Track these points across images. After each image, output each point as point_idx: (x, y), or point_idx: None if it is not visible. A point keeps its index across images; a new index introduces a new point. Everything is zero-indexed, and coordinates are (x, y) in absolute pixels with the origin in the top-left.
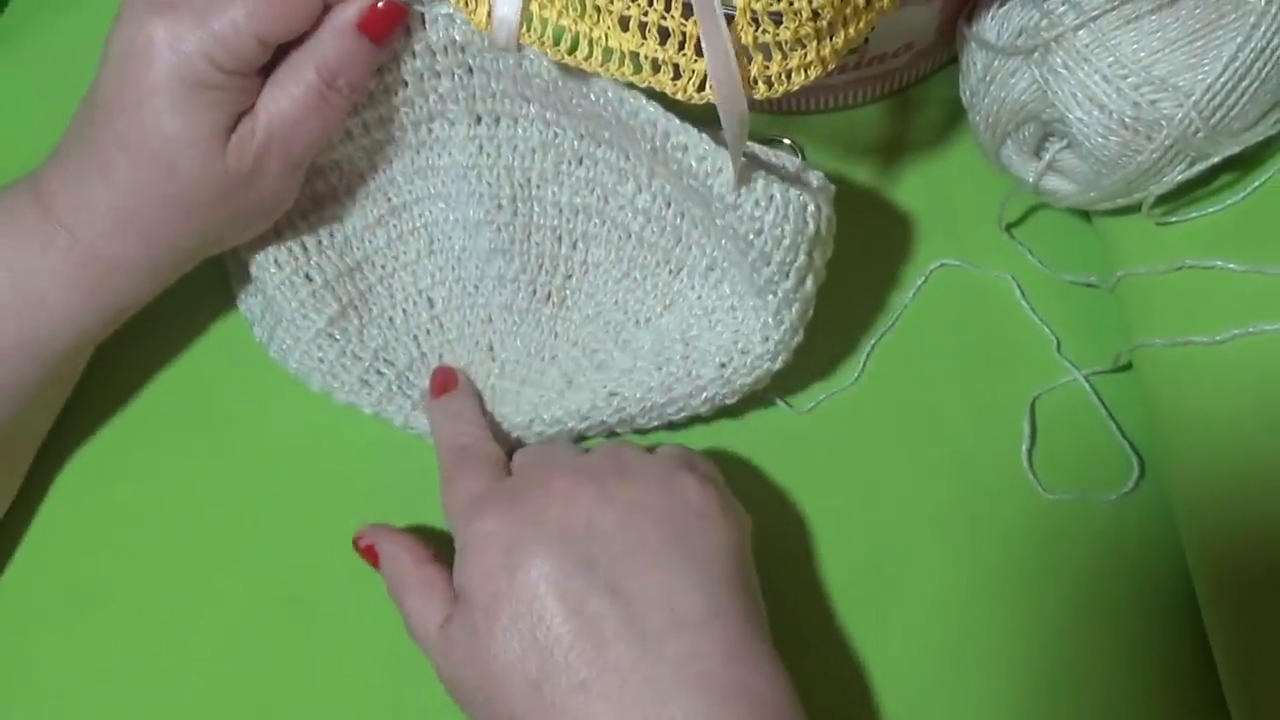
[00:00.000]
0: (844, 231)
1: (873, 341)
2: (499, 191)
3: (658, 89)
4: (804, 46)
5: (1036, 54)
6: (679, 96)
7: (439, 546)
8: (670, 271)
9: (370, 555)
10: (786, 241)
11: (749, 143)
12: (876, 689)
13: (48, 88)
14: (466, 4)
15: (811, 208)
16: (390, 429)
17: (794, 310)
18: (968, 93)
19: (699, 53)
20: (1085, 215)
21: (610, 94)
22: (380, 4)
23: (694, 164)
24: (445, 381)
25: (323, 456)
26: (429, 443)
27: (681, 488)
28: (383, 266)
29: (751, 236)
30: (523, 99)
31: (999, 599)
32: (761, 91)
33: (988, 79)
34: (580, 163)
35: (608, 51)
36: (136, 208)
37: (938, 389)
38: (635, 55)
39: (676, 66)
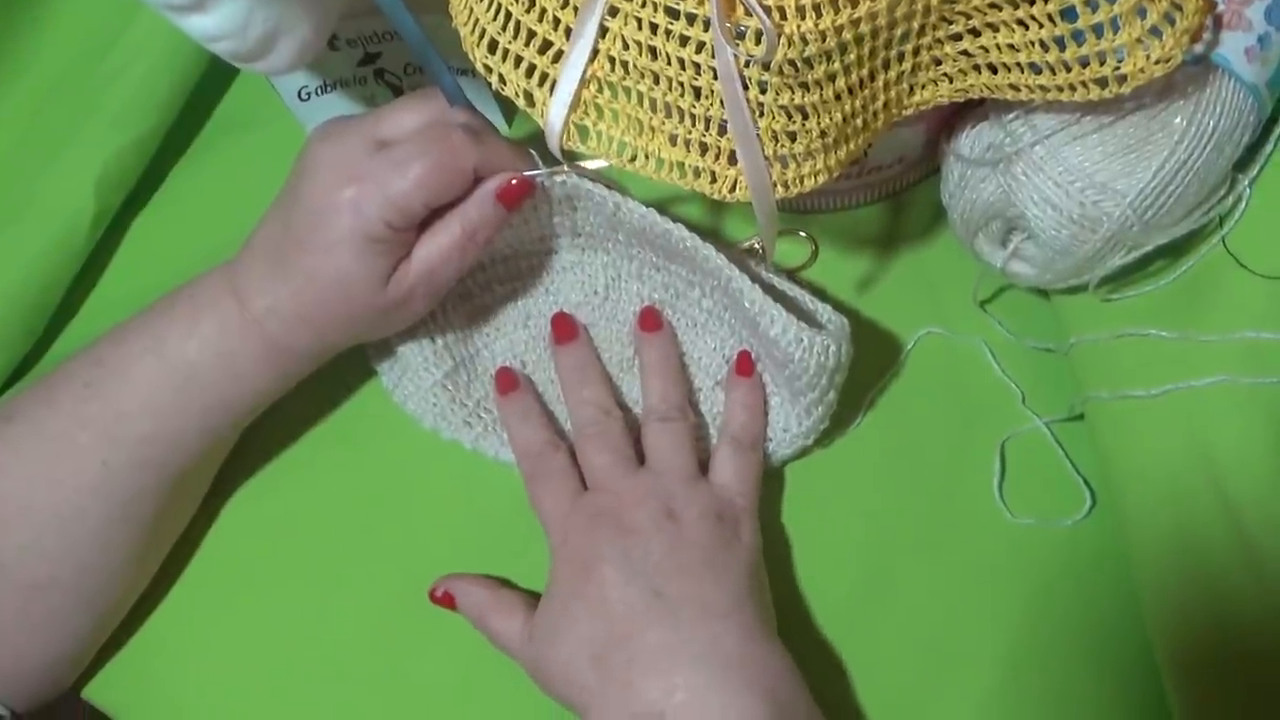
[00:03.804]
0: (849, 305)
1: (871, 393)
2: (596, 280)
3: (698, 190)
4: (814, 158)
5: (1001, 165)
6: (715, 197)
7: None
8: (724, 359)
9: (448, 600)
10: (811, 371)
11: (794, 288)
12: (867, 683)
13: (236, 187)
14: (529, 102)
15: (833, 348)
16: (484, 459)
17: (820, 409)
18: (947, 195)
19: (731, 163)
20: (1044, 293)
21: (689, 243)
22: (514, 181)
23: (747, 305)
24: (507, 382)
25: (432, 479)
26: (512, 470)
27: (716, 524)
28: (488, 334)
29: (788, 364)
30: (613, 232)
31: (974, 606)
32: (780, 193)
33: (963, 185)
34: (659, 270)
35: (660, 161)
36: (314, 316)
37: (924, 433)
38: (681, 164)
39: (713, 173)
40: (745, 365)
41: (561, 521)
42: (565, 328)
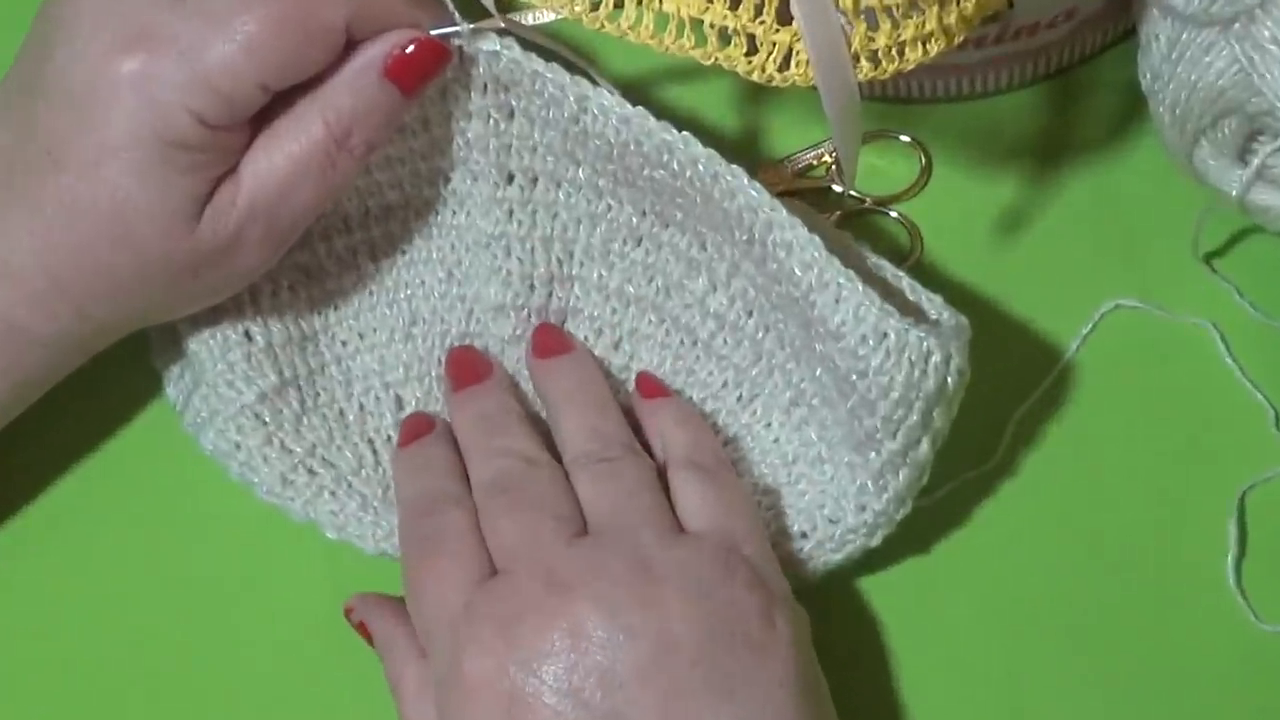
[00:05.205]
0: (984, 261)
1: (1020, 409)
2: (532, 271)
3: (727, 67)
4: (922, 12)
5: (1238, 25)
6: (755, 77)
7: None
8: (740, 399)
9: (364, 631)
10: (896, 394)
11: (868, 253)
12: None
13: None
14: None
15: (936, 357)
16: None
17: (901, 477)
18: (1149, 75)
19: (782, 21)
20: None
21: (702, 167)
22: (412, 47)
23: (797, 270)
24: (417, 428)
25: (268, 551)
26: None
27: (724, 606)
28: (344, 343)
29: (854, 377)
30: (571, 159)
31: None
32: (866, 71)
33: (1174, 57)
34: (639, 243)
35: (662, 19)
36: (74, 278)
37: (1107, 475)
38: (698, 23)
39: (752, 38)
40: (649, 385)
41: (450, 629)
42: (467, 369)
